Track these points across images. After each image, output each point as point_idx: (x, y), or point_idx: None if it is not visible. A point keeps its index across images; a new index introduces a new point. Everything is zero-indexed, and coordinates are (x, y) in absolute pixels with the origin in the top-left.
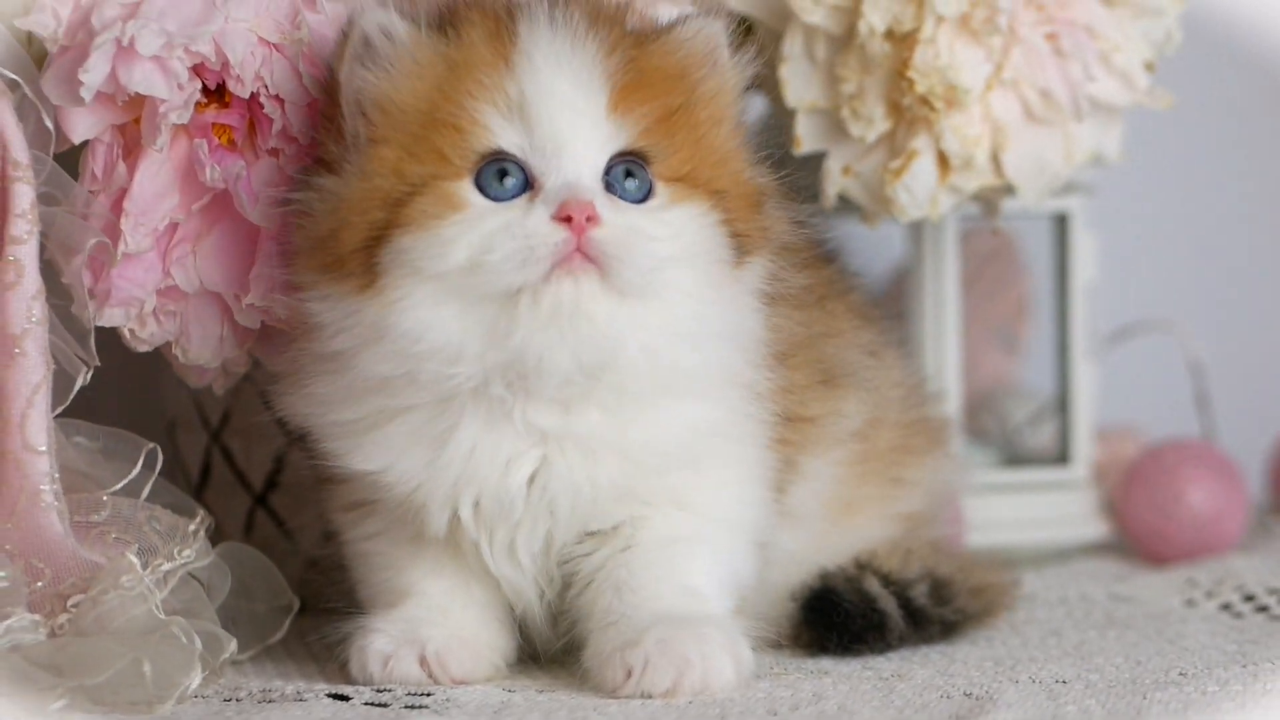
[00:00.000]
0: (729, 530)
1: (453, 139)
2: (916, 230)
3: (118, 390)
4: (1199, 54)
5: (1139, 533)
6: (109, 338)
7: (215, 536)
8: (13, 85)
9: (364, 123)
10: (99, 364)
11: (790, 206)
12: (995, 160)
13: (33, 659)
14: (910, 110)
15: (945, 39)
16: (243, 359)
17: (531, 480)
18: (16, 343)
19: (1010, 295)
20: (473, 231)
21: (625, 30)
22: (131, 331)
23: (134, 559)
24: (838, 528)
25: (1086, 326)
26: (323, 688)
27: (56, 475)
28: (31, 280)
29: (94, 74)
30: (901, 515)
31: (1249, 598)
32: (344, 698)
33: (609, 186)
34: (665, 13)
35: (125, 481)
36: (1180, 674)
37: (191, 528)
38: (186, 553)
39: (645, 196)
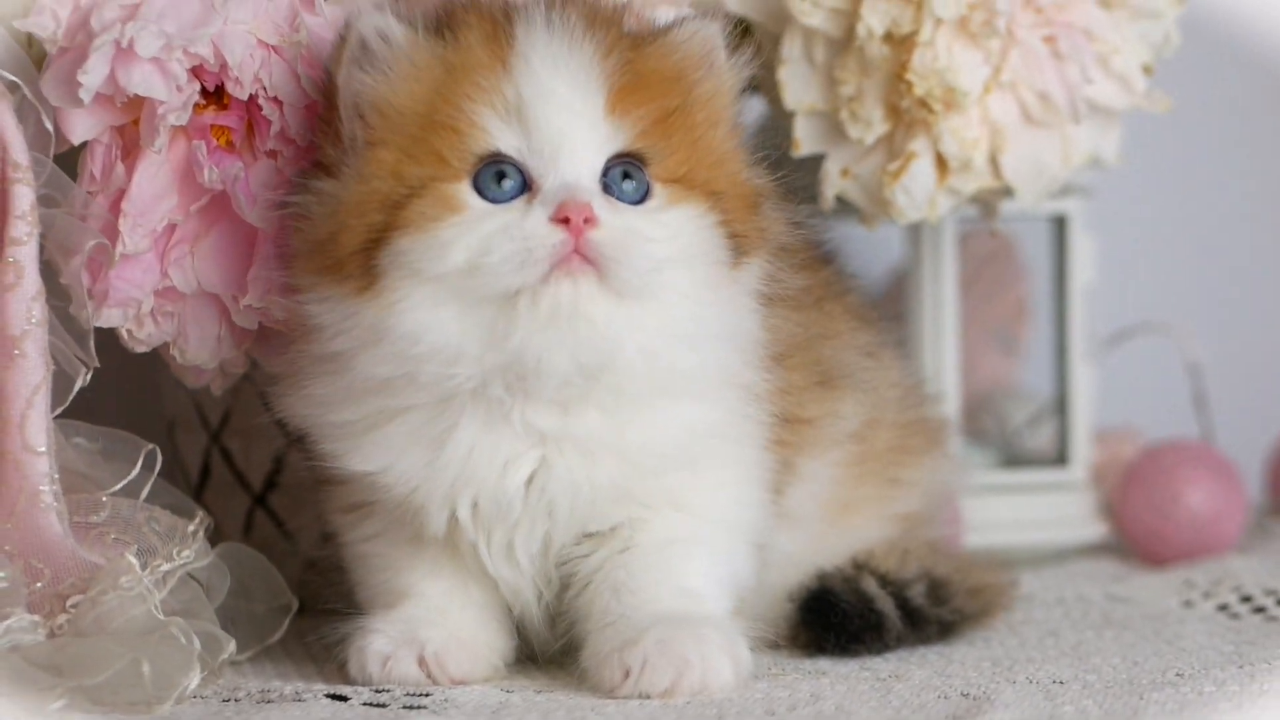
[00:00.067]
0: (727, 531)
1: (450, 141)
2: (915, 232)
3: (117, 391)
4: (1197, 56)
5: (1137, 534)
6: (108, 338)
7: (214, 537)
8: (12, 87)
9: (361, 126)
10: (98, 365)
11: (788, 207)
12: (993, 162)
13: (32, 659)
14: (909, 112)
15: (943, 41)
16: (240, 360)
17: (530, 481)
18: (16, 344)
19: (1009, 297)
20: (471, 233)
21: (622, 32)
22: (129, 332)
23: (133, 560)
24: (835, 529)
25: (1085, 328)
26: (321, 688)
27: (56, 476)
28: (31, 281)
29: (93, 75)
30: (899, 516)
31: (1246, 599)
32: (342, 698)
33: (607, 188)
34: (663, 15)
35: (124, 482)
36: (1177, 674)
37: (190, 528)
38: (185, 553)
39: (643, 198)
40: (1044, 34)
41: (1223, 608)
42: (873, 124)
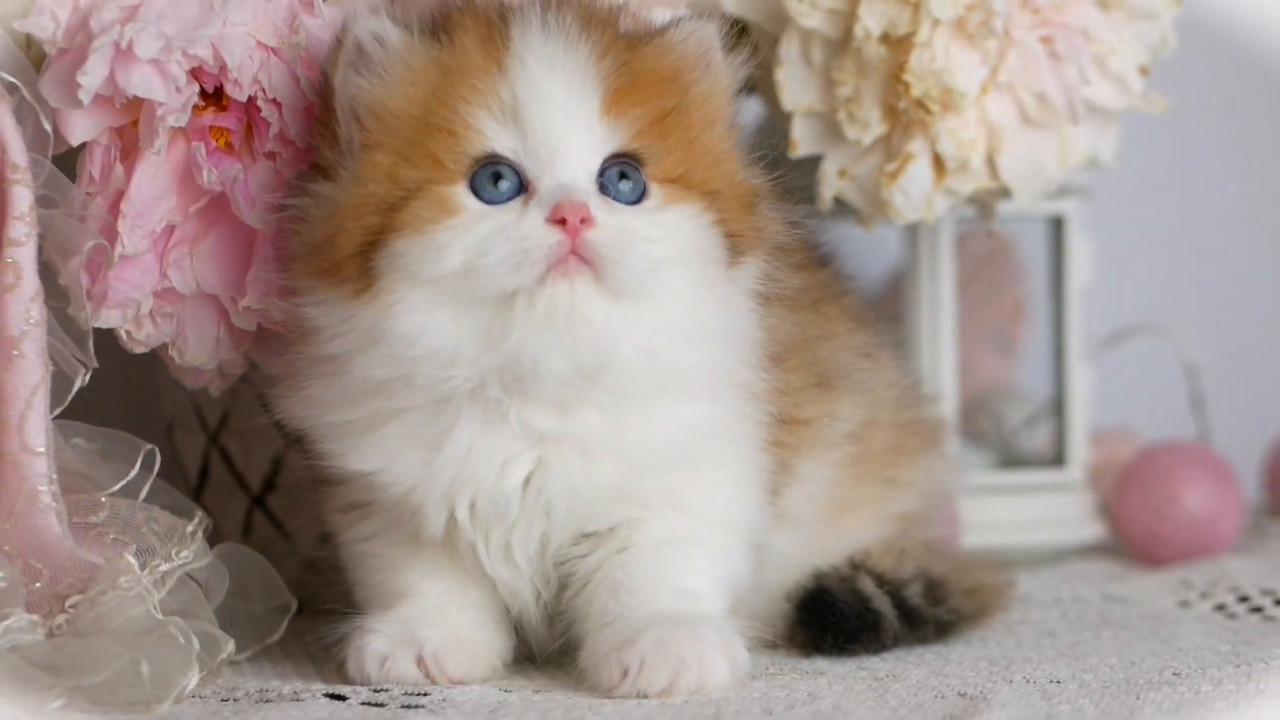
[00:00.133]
0: (725, 532)
1: (446, 143)
2: (913, 233)
3: (116, 392)
4: (1194, 57)
5: (1134, 534)
6: (107, 339)
7: (213, 538)
8: (11, 88)
9: (358, 129)
10: (97, 365)
11: (785, 207)
12: (990, 163)
13: (31, 659)
14: (906, 113)
15: (941, 42)
16: (239, 361)
17: (527, 481)
18: (15, 344)
19: (1006, 298)
20: (467, 235)
21: (618, 33)
22: (128, 333)
23: (132, 560)
24: (832, 529)
25: (1082, 329)
26: (320, 688)
27: (55, 476)
28: (30, 282)
29: (92, 77)
30: (896, 515)
31: (1243, 598)
32: (341, 698)
33: (603, 189)
34: (659, 16)
35: (123, 483)
36: (1174, 674)
37: (189, 529)
38: (184, 553)
39: (639, 198)
40: (1041, 35)
41: (1220, 608)
42: (870, 125)
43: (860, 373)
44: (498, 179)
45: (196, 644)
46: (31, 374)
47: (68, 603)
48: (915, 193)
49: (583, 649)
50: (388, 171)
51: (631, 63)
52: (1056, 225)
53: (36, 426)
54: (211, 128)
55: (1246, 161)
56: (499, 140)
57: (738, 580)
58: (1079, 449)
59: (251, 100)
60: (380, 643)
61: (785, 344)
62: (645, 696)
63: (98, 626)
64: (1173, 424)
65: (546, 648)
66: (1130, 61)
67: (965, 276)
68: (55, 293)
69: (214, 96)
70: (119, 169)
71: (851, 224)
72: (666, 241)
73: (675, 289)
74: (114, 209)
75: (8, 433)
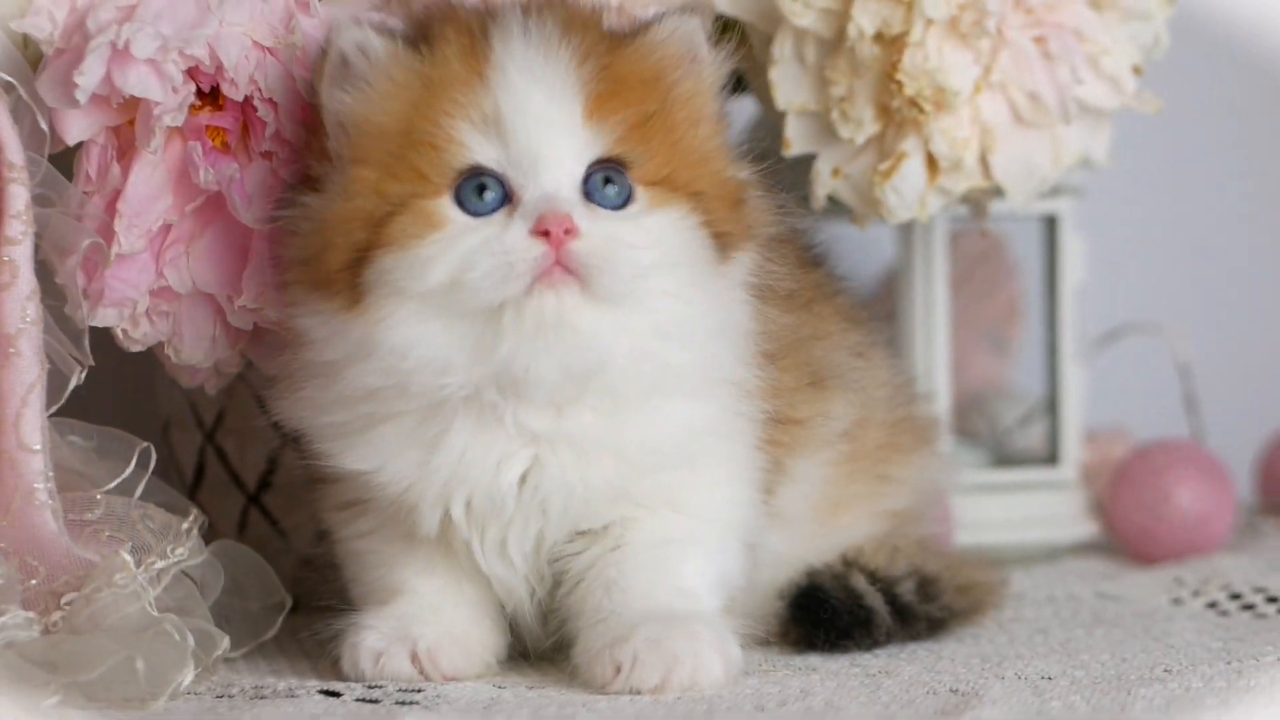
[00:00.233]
0: (719, 531)
1: (430, 157)
2: (906, 232)
3: (113, 390)
4: (1187, 56)
5: (1128, 533)
6: (103, 338)
7: (209, 536)
8: (8, 87)
9: (345, 143)
10: (93, 364)
11: (774, 195)
12: (983, 162)
13: (27, 656)
14: (899, 113)
15: (934, 42)
16: (235, 359)
17: (523, 479)
18: (11, 342)
19: (1000, 297)
20: (452, 250)
21: (600, 34)
22: (125, 332)
23: (127, 557)
24: (825, 527)
25: (1075, 328)
26: (315, 684)
27: (51, 474)
28: (26, 281)
29: (89, 76)
30: (889, 513)
31: (1235, 596)
32: (336, 694)
33: (588, 195)
34: (647, 11)
35: (119, 480)
36: (1165, 670)
37: (185, 526)
38: (179, 551)
39: (625, 202)
40: (1034, 34)
41: (1212, 605)
42: (863, 124)
43: (853, 371)
44: (482, 190)
45: (192, 641)
46: (28, 372)
47: (63, 600)
48: (908, 192)
49: (576, 646)
50: (373, 186)
51: (613, 66)
52: (1050, 225)
53: (32, 424)
54: (208, 127)
55: (1240, 161)
56: (482, 152)
57: (731, 579)
58: (1072, 448)
59: (248, 100)
60: (375, 639)
61: (779, 343)
62: (638, 693)
63: (93, 623)
64: (1166, 423)
65: (540, 644)
66: (1123, 61)
67: (959, 275)
68: (52, 291)
69: (210, 96)
70: (116, 168)
71: (845, 223)
72: (653, 248)
73: (664, 291)
74: (110, 208)
75: (4, 430)
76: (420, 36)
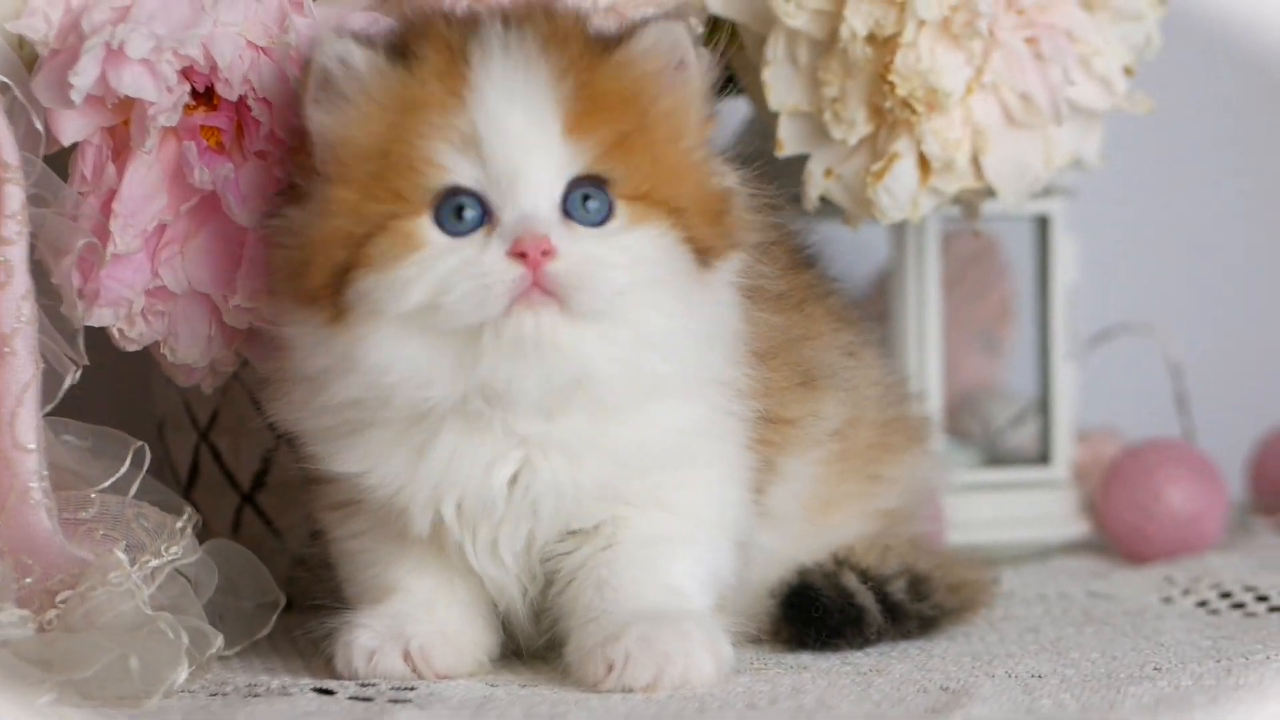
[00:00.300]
0: (710, 530)
1: (409, 178)
2: (899, 232)
3: (108, 390)
4: (1178, 57)
5: (1119, 532)
6: (99, 337)
7: (203, 535)
8: (4, 88)
9: (328, 159)
10: (88, 363)
11: (764, 194)
12: (975, 163)
13: (21, 654)
14: (891, 113)
15: (926, 43)
16: (230, 358)
17: (514, 480)
18: (6, 342)
19: (992, 297)
20: (430, 272)
21: (582, 47)
22: (120, 331)
23: (122, 556)
24: (816, 525)
25: (1067, 328)
26: (308, 682)
27: (45, 473)
28: (21, 280)
29: (84, 77)
30: (880, 512)
31: (1226, 595)
32: (329, 692)
33: (568, 212)
34: (639, 13)
35: (113, 479)
36: (1155, 669)
37: (179, 525)
38: (174, 549)
39: (606, 218)
40: (1026, 35)
41: (1202, 604)
42: (856, 125)
43: (844, 371)
44: (461, 211)
45: (186, 639)
46: (23, 371)
47: (58, 598)
48: (900, 192)
49: (568, 644)
50: (353, 206)
51: (593, 82)
52: (1042, 225)
53: (27, 423)
54: (202, 127)
55: (1232, 161)
56: (461, 171)
57: (723, 577)
58: (1064, 447)
59: (242, 100)
60: (368, 638)
61: (770, 342)
62: (630, 691)
63: (88, 622)
64: (1157, 422)
65: (533, 643)
66: (1115, 62)
67: (951, 276)
68: (47, 291)
69: (205, 96)
70: (111, 168)
71: (837, 223)
72: (632, 265)
73: (646, 305)
74: (106, 208)
75: None
76: (401, 48)
